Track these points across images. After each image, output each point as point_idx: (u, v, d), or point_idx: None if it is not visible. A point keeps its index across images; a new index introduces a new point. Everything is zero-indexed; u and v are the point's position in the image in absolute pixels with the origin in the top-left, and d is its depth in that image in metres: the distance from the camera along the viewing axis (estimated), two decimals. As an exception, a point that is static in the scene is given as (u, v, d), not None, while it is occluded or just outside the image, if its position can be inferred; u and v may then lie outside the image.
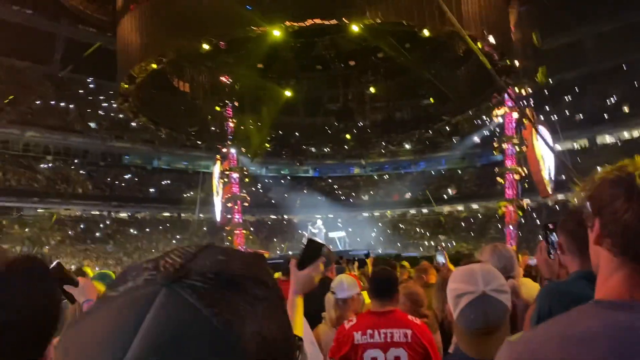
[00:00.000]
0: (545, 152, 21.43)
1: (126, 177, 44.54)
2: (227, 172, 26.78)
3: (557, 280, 2.39)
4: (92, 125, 43.57)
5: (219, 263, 0.52)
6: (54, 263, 1.74)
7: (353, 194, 50.77)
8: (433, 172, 50.99)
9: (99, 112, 45.09)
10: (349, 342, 2.94)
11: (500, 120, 26.23)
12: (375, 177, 52.17)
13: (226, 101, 23.70)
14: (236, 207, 27.69)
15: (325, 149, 45.08)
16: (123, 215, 43.15)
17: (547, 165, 22.18)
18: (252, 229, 34.88)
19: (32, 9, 43.92)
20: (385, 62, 22.64)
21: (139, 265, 0.52)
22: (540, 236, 2.83)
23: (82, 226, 39.45)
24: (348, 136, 27.68)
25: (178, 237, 42.29)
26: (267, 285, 0.53)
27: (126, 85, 18.69)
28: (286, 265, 4.46)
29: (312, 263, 1.78)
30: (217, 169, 27.97)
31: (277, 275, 6.81)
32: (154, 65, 17.61)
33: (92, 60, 41.40)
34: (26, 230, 36.26)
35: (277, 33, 16.27)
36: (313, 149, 40.82)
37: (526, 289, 3.06)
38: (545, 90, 33.41)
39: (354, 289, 3.61)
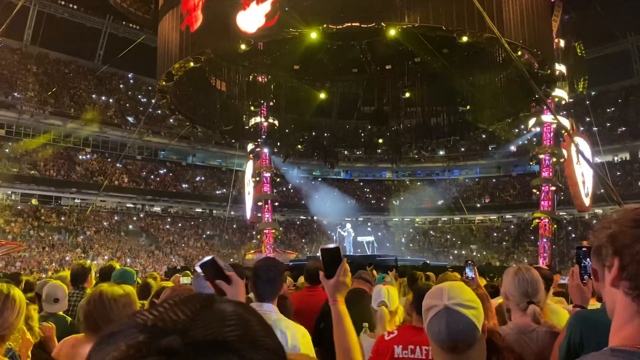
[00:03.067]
0: (583, 165, 20.86)
1: (161, 171, 45.35)
2: (259, 171, 27.01)
3: (587, 306, 2.30)
4: (130, 119, 44.51)
5: (216, 329, 0.50)
6: (209, 258, 1.63)
7: (384, 198, 50.44)
8: (467, 180, 50.24)
9: (138, 107, 46.10)
10: (387, 355, 2.85)
11: (538, 130, 25.69)
12: (407, 182, 51.71)
13: (261, 101, 23.83)
14: (266, 206, 27.90)
15: (357, 152, 44.99)
16: (156, 209, 43.91)
17: (585, 179, 21.59)
18: (281, 228, 35.05)
19: (77, 5, 45.29)
20: (422, 67, 22.41)
21: (128, 325, 0.50)
22: (574, 257, 2.72)
23: (116, 218, 40.31)
24: (380, 140, 27.49)
25: (209, 232, 42.85)
26: (266, 347, 0.52)
27: (164, 82, 19.01)
28: (308, 268, 4.43)
29: (337, 268, 1.80)
30: (249, 167, 28.24)
31: (301, 280, 6.80)
32: (192, 64, 17.87)
33: (133, 56, 42.33)
34: (62, 219, 37.26)
35: (314, 35, 16.28)
36: (345, 152, 40.78)
37: (556, 317, 2.96)
38: (587, 102, 32.54)
39: (397, 301, 3.63)
